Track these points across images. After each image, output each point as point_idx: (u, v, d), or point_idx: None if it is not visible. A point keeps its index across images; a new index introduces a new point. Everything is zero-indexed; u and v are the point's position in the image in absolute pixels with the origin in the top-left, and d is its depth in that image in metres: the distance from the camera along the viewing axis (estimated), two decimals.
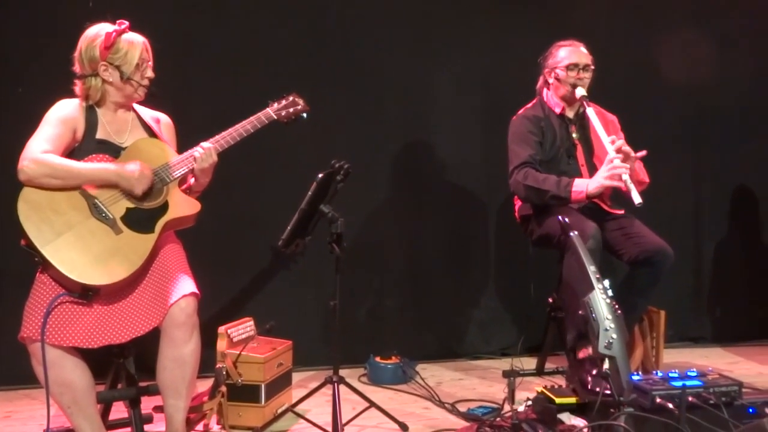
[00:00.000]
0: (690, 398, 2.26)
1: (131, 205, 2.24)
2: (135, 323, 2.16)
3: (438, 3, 3.86)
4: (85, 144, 2.28)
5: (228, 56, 3.51)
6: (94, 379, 2.19)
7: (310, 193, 2.61)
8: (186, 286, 2.22)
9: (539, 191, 2.99)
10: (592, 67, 3.16)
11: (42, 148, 2.17)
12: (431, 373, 3.55)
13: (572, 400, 2.49)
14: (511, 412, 2.56)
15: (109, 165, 2.23)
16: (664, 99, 4.12)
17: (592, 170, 3.06)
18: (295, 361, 3.01)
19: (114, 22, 2.31)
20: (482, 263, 3.97)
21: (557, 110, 3.21)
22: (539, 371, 3.27)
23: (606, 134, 2.99)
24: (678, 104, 4.18)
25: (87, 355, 2.16)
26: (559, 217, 2.69)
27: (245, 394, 2.68)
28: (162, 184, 2.30)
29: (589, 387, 2.43)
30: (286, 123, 2.59)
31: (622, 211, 3.18)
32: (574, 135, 3.21)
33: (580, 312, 2.38)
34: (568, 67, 3.14)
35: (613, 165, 2.87)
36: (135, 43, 2.31)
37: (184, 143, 2.47)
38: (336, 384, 2.60)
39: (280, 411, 2.77)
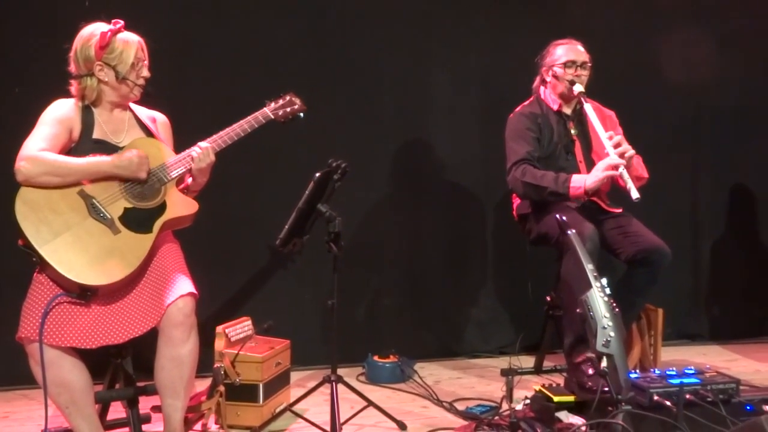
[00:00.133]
0: (688, 396, 2.27)
1: (129, 205, 2.24)
2: (133, 323, 2.15)
3: (436, 2, 3.86)
4: (81, 144, 2.27)
5: (225, 56, 3.50)
6: (92, 379, 2.19)
7: (307, 192, 2.60)
8: (184, 285, 2.22)
9: (537, 188, 2.99)
10: (590, 65, 3.17)
11: (38, 148, 2.16)
12: (429, 371, 3.55)
13: (570, 398, 2.50)
14: (510, 411, 2.57)
15: (105, 158, 2.22)
16: (662, 98, 4.12)
17: (591, 166, 3.06)
18: (293, 360, 3.01)
19: (109, 22, 2.30)
20: (480, 262, 3.97)
21: (555, 107, 3.21)
22: (537, 370, 3.27)
23: (604, 130, 2.99)
24: (676, 104, 4.18)
25: (85, 356, 2.16)
26: (557, 216, 2.69)
27: (243, 393, 2.68)
28: (160, 184, 2.29)
29: (587, 387, 2.44)
30: (283, 122, 2.59)
31: (620, 210, 3.18)
32: (572, 131, 3.21)
33: (578, 310, 2.38)
34: (566, 65, 3.14)
35: (610, 157, 2.88)
36: (130, 42, 2.30)
37: (181, 143, 2.47)
38: (334, 383, 2.60)
39: (278, 410, 2.77)
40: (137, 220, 2.23)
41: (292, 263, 3.56)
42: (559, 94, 3.21)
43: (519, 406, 2.63)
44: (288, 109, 2.59)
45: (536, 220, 3.12)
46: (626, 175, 2.85)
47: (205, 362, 2.50)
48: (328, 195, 2.69)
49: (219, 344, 2.68)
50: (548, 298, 3.17)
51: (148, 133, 2.41)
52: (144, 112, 2.46)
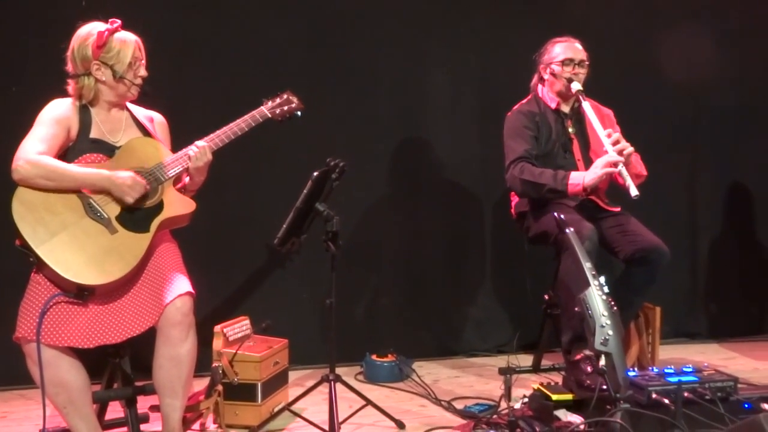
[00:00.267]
0: (686, 394, 2.27)
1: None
2: (131, 323, 2.15)
3: (435, 2, 3.85)
4: (79, 143, 2.27)
5: (222, 55, 3.50)
6: (90, 378, 2.19)
7: (305, 191, 2.60)
8: (181, 285, 2.21)
9: (536, 185, 2.99)
10: (587, 63, 3.17)
11: (36, 149, 2.16)
12: (428, 370, 3.55)
13: (569, 396, 2.50)
14: (508, 410, 2.57)
15: (103, 171, 2.20)
16: (661, 97, 4.12)
17: (589, 164, 3.06)
18: (291, 359, 3.01)
19: (106, 21, 2.30)
20: (478, 261, 3.97)
21: (553, 105, 3.21)
22: (535, 368, 3.27)
23: (602, 128, 2.99)
24: (674, 103, 4.18)
25: (83, 355, 2.16)
26: (555, 214, 2.69)
27: (242, 392, 2.68)
28: (157, 184, 2.29)
29: (585, 386, 2.44)
30: (280, 121, 2.58)
31: (619, 209, 3.18)
32: (570, 130, 3.21)
33: (576, 309, 2.38)
34: (564, 62, 3.14)
35: (609, 154, 2.89)
36: (127, 41, 2.30)
37: (178, 142, 2.47)
38: (332, 382, 2.60)
39: (276, 409, 2.77)
40: (134, 220, 2.22)
41: (290, 262, 3.56)
42: (557, 92, 3.21)
43: (517, 405, 2.63)
44: (285, 108, 2.59)
45: (534, 219, 3.12)
46: (625, 173, 2.85)
47: (203, 361, 2.50)
48: (326, 194, 2.69)
49: (217, 343, 2.68)
50: (546, 297, 3.17)
51: (145, 132, 2.41)
52: (141, 112, 2.46)
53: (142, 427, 2.37)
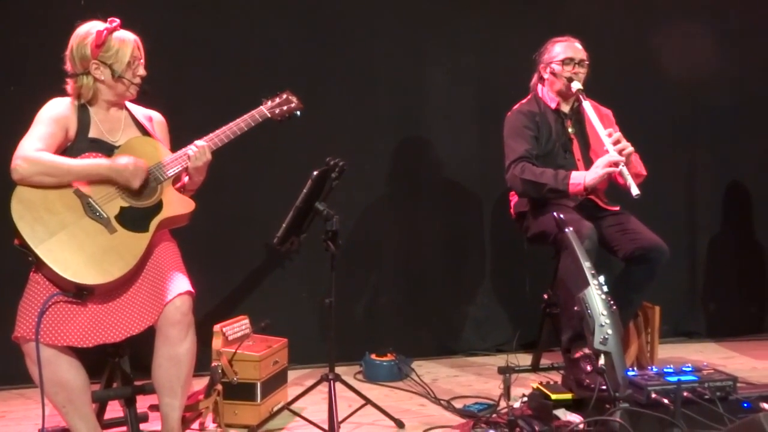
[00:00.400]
0: (685, 393, 2.27)
1: (125, 204, 2.23)
2: (130, 322, 2.15)
3: (434, 1, 3.85)
4: (77, 143, 2.27)
5: (222, 54, 3.49)
6: (89, 378, 2.19)
7: (305, 190, 2.60)
8: (181, 284, 2.21)
9: (537, 185, 2.99)
10: (587, 63, 3.17)
11: (35, 147, 2.16)
12: (427, 370, 3.55)
13: (568, 396, 2.50)
14: (507, 409, 2.57)
15: (102, 160, 2.21)
16: (659, 97, 4.12)
17: (589, 164, 3.06)
18: (290, 358, 3.01)
19: (105, 20, 2.29)
20: (478, 260, 3.97)
21: (552, 105, 3.21)
22: (535, 368, 3.28)
23: (602, 128, 2.99)
24: (673, 102, 4.18)
25: (82, 355, 2.16)
26: (555, 214, 2.69)
27: (241, 392, 2.68)
28: (156, 183, 2.29)
29: (585, 385, 2.44)
30: (279, 121, 2.58)
31: (618, 208, 3.18)
32: (570, 130, 3.21)
33: (575, 308, 2.38)
34: (564, 62, 3.14)
35: (609, 154, 2.89)
36: (126, 40, 2.30)
37: (177, 141, 2.47)
38: (332, 381, 2.60)
39: (276, 409, 2.76)
40: (133, 219, 2.22)
41: (289, 262, 3.56)
42: (557, 92, 3.21)
43: (517, 404, 2.63)
44: (285, 108, 2.59)
45: (534, 218, 3.12)
46: (626, 172, 2.85)
47: (202, 361, 2.50)
48: (325, 193, 2.69)
49: (216, 343, 2.68)
50: (545, 296, 3.17)
51: (144, 131, 2.40)
52: (140, 111, 2.46)
53: (142, 426, 2.36)
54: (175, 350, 2.18)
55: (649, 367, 2.54)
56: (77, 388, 2.13)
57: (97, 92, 2.31)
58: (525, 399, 2.60)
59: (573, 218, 2.84)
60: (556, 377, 2.92)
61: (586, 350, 2.56)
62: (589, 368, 2.51)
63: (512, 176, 3.07)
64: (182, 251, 2.38)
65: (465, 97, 3.91)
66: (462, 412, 2.86)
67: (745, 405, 2.33)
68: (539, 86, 3.27)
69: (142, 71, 2.35)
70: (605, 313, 2.31)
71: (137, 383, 2.33)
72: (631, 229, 3.06)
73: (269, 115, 2.54)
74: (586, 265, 2.42)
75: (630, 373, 2.38)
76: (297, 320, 3.51)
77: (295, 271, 3.59)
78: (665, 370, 2.43)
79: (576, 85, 3.09)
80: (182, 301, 2.17)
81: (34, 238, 2.08)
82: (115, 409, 2.42)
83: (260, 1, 3.57)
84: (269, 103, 2.57)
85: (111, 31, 2.27)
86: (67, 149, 2.26)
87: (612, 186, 3.16)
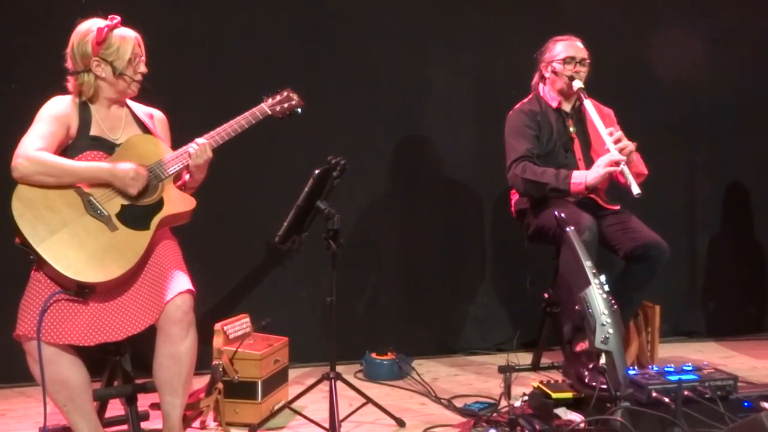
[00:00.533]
0: (686, 392, 2.26)
1: (126, 202, 2.23)
2: (131, 321, 2.15)
3: (435, 0, 3.85)
4: (78, 141, 2.26)
5: (223, 52, 3.49)
6: (91, 376, 2.18)
7: (306, 189, 2.60)
8: (182, 283, 2.21)
9: (538, 184, 2.99)
10: (588, 62, 3.17)
11: (36, 146, 2.15)
12: (427, 368, 3.55)
13: (568, 395, 2.49)
14: (508, 408, 2.57)
15: (103, 164, 2.21)
16: (659, 96, 4.12)
17: (590, 164, 3.06)
18: (291, 357, 3.01)
19: (106, 18, 2.29)
20: (478, 259, 3.97)
21: (554, 104, 3.21)
22: (535, 367, 3.28)
23: (604, 127, 2.99)
24: (673, 101, 4.18)
25: (83, 353, 2.15)
26: (555, 212, 2.69)
27: (242, 390, 2.68)
28: (157, 181, 2.29)
29: (586, 381, 2.44)
30: (280, 118, 2.57)
31: (618, 207, 3.18)
32: (571, 129, 3.21)
33: (576, 307, 2.38)
34: (565, 61, 3.14)
35: (611, 153, 2.89)
36: (127, 38, 2.29)
37: (178, 139, 2.46)
38: (333, 380, 2.60)
39: (276, 407, 2.76)
40: (134, 217, 2.22)
41: (290, 260, 3.56)
42: (558, 91, 3.21)
43: (517, 403, 2.62)
44: (286, 105, 2.58)
45: (534, 215, 3.13)
46: (627, 171, 2.85)
47: (203, 359, 2.50)
48: (327, 192, 2.69)
49: (217, 341, 2.68)
50: (546, 295, 3.17)
51: (145, 129, 2.40)
52: (141, 109, 2.45)
53: (143, 424, 2.36)
54: (176, 348, 2.18)
55: (650, 366, 2.54)
56: (78, 387, 2.13)
57: (98, 90, 2.30)
58: (525, 398, 2.59)
59: (573, 211, 2.84)
60: (557, 376, 2.93)
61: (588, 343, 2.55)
62: (590, 366, 2.51)
63: (513, 175, 3.07)
64: (183, 249, 2.38)
65: (465, 96, 3.91)
66: (462, 411, 2.86)
67: (746, 404, 2.33)
68: (540, 85, 3.27)
69: (143, 68, 2.34)
70: (606, 312, 2.31)
71: (138, 381, 2.33)
72: (631, 227, 3.06)
73: (270, 113, 2.54)
74: (587, 264, 2.42)
75: (631, 372, 2.38)
76: (298, 319, 3.51)
77: (295, 269, 3.59)
78: (666, 369, 2.43)
79: (577, 84, 3.10)
80: (183, 300, 2.17)
81: (35, 237, 2.07)
82: (116, 408, 2.42)
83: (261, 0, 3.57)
84: (270, 100, 2.56)
85: (112, 28, 2.27)
86: (68, 147, 2.25)
87: (612, 185, 3.16)
